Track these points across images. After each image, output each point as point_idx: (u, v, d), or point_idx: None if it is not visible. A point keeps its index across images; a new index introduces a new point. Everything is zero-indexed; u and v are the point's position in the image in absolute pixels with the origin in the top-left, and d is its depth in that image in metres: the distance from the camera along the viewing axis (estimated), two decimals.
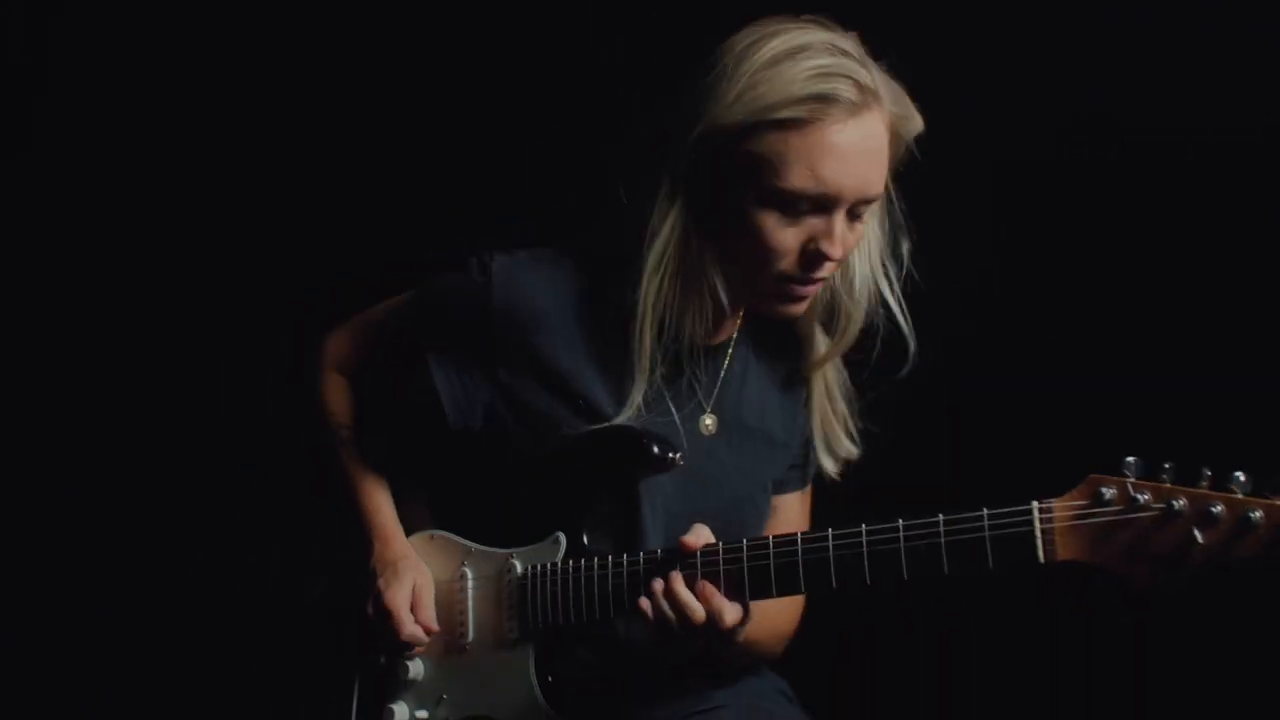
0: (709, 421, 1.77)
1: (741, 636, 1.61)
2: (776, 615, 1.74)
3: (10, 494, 2.74)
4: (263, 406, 2.41)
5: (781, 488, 1.86)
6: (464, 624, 1.75)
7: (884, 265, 1.73)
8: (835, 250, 1.59)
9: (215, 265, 2.71)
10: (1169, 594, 1.35)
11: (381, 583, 1.75)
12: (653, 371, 1.70)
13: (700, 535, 1.61)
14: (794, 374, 1.83)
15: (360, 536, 1.81)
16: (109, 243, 2.75)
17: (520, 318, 1.71)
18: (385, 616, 1.73)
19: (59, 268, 2.76)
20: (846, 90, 1.55)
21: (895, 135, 1.62)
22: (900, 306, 1.74)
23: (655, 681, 1.78)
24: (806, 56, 1.56)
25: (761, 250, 1.61)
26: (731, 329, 1.79)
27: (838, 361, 1.82)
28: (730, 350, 1.79)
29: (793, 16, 1.63)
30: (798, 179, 1.56)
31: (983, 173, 2.26)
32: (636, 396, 1.69)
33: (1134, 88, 2.20)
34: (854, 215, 1.61)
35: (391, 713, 1.75)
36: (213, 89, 2.69)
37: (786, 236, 1.60)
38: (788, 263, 1.61)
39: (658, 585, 1.59)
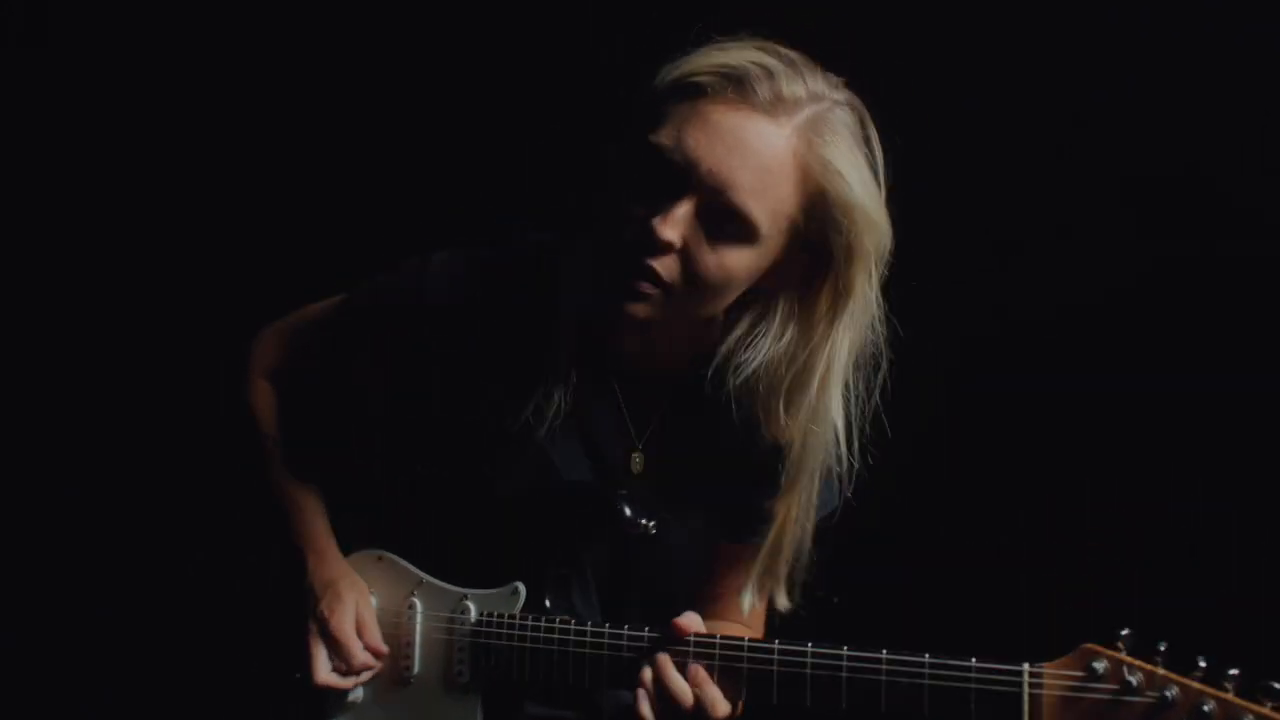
0: (637, 459, 1.69)
1: None
2: None
3: (10, 494, 2.73)
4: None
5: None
6: (410, 656, 1.71)
7: (846, 383, 1.60)
8: (665, 230, 1.46)
9: (217, 266, 2.71)
10: None
11: (324, 607, 1.69)
12: (566, 383, 1.63)
13: (691, 621, 1.56)
14: (759, 454, 1.65)
15: (292, 552, 1.76)
16: (109, 244, 2.74)
17: (450, 317, 1.66)
18: (334, 645, 1.68)
19: (59, 268, 2.75)
20: (758, 84, 1.47)
21: (806, 176, 1.50)
22: (847, 433, 1.60)
23: None
24: (756, 51, 1.51)
25: (610, 213, 1.52)
26: (675, 362, 1.67)
27: (797, 510, 1.64)
28: (670, 390, 1.68)
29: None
30: (664, 135, 1.47)
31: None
32: (548, 409, 1.62)
33: (1134, 88, 2.20)
34: (713, 228, 1.49)
35: None
36: (210, 86, 2.69)
37: (629, 197, 1.50)
38: (624, 233, 1.49)
39: (647, 673, 1.54)
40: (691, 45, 1.53)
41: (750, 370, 1.58)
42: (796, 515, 1.63)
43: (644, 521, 1.63)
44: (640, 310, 1.52)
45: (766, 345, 1.57)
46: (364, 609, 1.70)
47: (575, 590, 1.69)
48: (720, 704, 1.51)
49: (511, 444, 1.65)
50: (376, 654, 1.69)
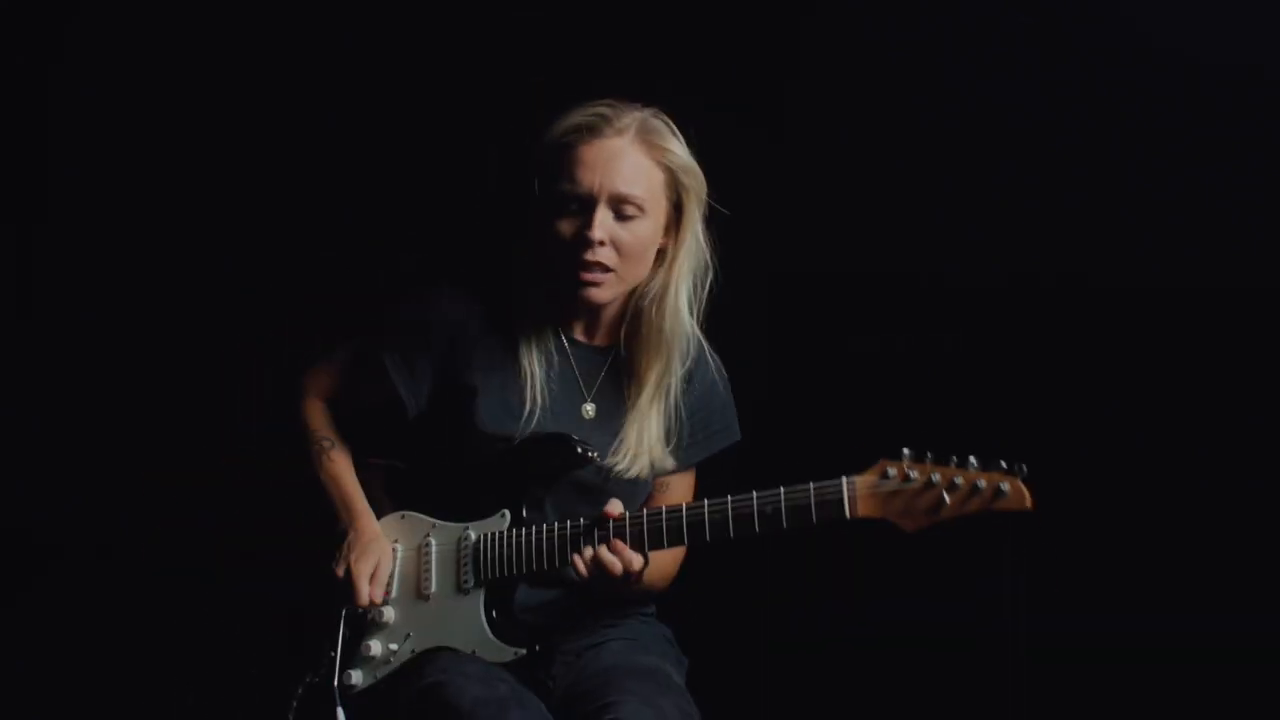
0: (589, 409, 2.31)
1: (644, 577, 2.18)
2: (663, 563, 2.30)
3: (10, 493, 2.89)
4: (263, 411, 2.64)
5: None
6: (428, 578, 2.27)
7: (690, 293, 2.28)
8: (594, 232, 2.16)
9: (216, 271, 2.88)
10: (929, 534, 2.01)
11: (354, 555, 2.25)
12: (546, 366, 2.26)
13: (614, 506, 2.16)
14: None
15: (341, 522, 2.29)
16: (110, 247, 2.93)
17: (449, 331, 2.27)
18: (348, 579, 2.23)
19: (66, 272, 2.93)
20: (598, 122, 2.20)
21: (655, 160, 2.20)
22: (696, 323, 2.30)
23: (568, 619, 2.32)
24: (589, 107, 2.22)
25: (547, 239, 2.20)
26: (612, 335, 2.33)
27: (671, 388, 2.30)
28: (611, 355, 2.33)
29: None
30: (564, 182, 2.19)
31: None
32: (531, 395, 2.24)
33: None
34: (620, 215, 2.19)
35: (369, 647, 2.24)
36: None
37: (562, 226, 2.19)
38: (566, 247, 2.18)
39: (587, 552, 2.14)
40: (548, 122, 2.23)
41: (649, 299, 2.27)
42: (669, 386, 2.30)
43: (590, 453, 2.23)
44: (599, 294, 2.22)
45: (657, 282, 2.27)
46: (382, 566, 2.26)
47: (549, 510, 2.26)
48: (635, 561, 2.14)
49: (495, 406, 2.26)
50: (372, 600, 2.23)
